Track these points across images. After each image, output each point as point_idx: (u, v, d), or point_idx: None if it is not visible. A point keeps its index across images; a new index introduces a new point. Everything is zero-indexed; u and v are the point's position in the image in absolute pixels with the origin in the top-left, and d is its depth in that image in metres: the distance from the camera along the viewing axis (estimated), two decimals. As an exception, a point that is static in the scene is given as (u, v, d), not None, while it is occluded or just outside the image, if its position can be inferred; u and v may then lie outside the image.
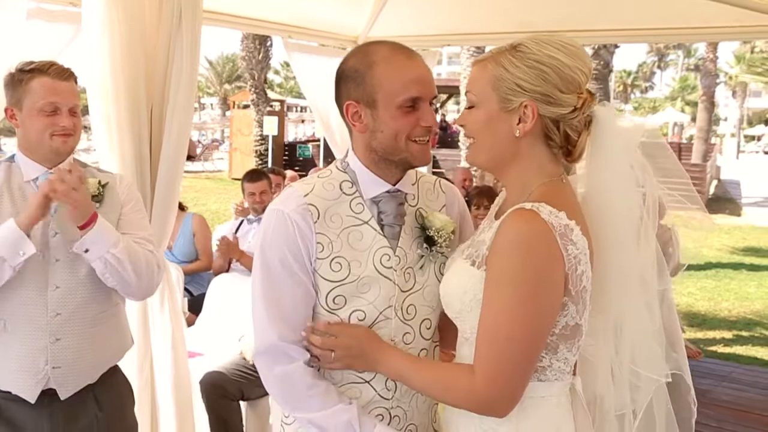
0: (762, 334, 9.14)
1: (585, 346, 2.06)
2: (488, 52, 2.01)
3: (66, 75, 2.82)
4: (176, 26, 3.47)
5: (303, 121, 48.53)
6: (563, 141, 2.00)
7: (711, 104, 30.86)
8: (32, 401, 2.76)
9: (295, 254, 2.08)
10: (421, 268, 2.17)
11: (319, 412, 2.07)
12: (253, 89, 25.82)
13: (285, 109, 31.46)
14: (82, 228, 2.69)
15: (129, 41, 3.42)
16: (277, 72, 66.26)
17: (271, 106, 26.79)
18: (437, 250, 2.17)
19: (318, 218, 2.09)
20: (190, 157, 26.95)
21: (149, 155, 3.57)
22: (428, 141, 2.11)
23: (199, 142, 35.78)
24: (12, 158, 2.88)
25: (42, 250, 2.73)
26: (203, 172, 28.55)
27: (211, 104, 67.58)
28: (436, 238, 2.15)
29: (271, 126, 24.63)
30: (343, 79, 2.13)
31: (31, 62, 2.82)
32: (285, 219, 2.09)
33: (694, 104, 42.90)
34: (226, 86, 62.80)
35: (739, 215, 21.04)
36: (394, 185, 2.16)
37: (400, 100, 2.04)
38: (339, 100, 2.15)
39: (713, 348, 8.31)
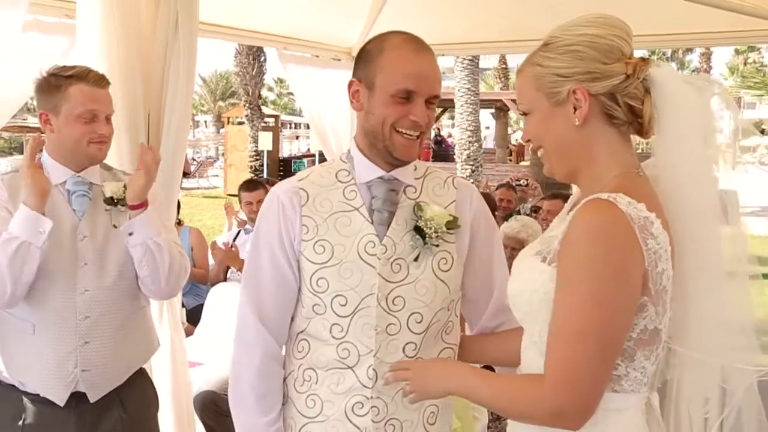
0: (762, 341, 9.11)
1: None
2: (523, 62, 1.95)
3: (103, 82, 2.85)
4: (172, 34, 3.49)
5: (297, 137, 48.63)
6: (628, 114, 1.86)
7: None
8: (61, 404, 2.79)
9: (279, 233, 2.19)
10: (415, 260, 2.17)
11: (262, 418, 2.21)
12: (247, 105, 25.92)
13: (279, 124, 31.52)
14: (134, 208, 2.75)
15: (126, 49, 3.43)
16: (270, 89, 66.33)
17: (266, 121, 26.87)
18: (431, 243, 2.16)
19: (307, 201, 2.19)
20: (185, 174, 26.93)
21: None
22: (416, 137, 2.14)
23: (193, 159, 35.75)
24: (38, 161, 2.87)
25: (70, 254, 2.76)
26: (198, 189, 28.50)
27: (205, 122, 67.48)
28: (424, 228, 2.15)
29: (266, 141, 24.71)
30: (358, 57, 2.21)
31: (68, 67, 2.83)
32: (274, 200, 2.22)
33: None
34: (220, 103, 62.79)
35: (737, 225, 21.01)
36: (389, 172, 2.20)
37: (394, 89, 2.10)
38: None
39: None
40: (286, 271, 2.20)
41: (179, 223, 6.18)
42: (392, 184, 2.21)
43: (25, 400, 2.80)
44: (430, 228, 2.15)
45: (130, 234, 2.75)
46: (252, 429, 2.24)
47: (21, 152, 35.93)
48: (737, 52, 46.14)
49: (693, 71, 34.38)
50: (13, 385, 2.81)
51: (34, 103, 2.93)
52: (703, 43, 17.44)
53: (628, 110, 1.85)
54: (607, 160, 1.87)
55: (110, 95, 2.87)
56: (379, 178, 2.20)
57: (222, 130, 40.32)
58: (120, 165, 3.38)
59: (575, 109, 1.84)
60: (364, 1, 6.01)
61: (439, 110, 36.39)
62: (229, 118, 30.24)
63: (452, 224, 2.19)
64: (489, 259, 2.35)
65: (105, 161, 2.97)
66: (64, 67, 2.83)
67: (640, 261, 1.72)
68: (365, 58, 2.17)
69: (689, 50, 46.90)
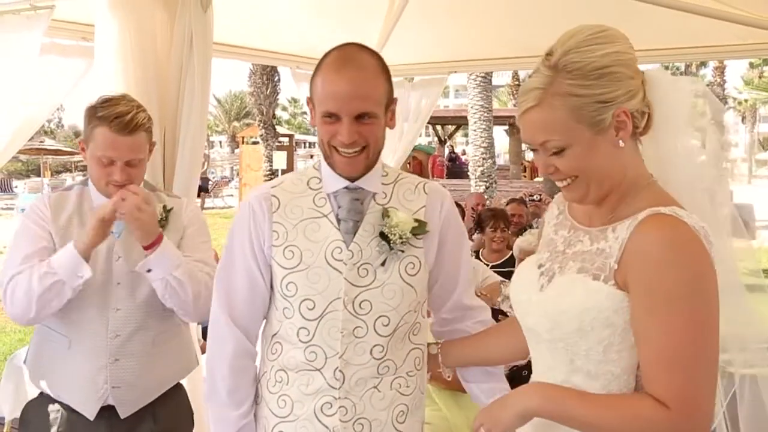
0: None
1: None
2: (533, 91, 1.79)
3: (128, 129, 2.76)
4: (187, 54, 3.56)
5: (312, 156, 48.70)
6: (642, 121, 1.86)
7: (720, 129, 30.81)
8: (91, 418, 2.84)
9: (249, 238, 2.27)
10: (382, 265, 2.22)
11: (234, 411, 2.29)
12: (261, 124, 26.06)
13: (294, 144, 31.67)
14: (147, 248, 2.76)
15: (142, 69, 3.51)
16: (285, 108, 66.59)
17: (280, 141, 26.99)
18: (397, 248, 2.21)
19: (278, 208, 2.26)
20: (203, 189, 27.08)
21: (163, 178, 3.64)
22: (355, 153, 2.17)
23: (208, 179, 35.98)
24: (86, 182, 2.95)
25: (105, 273, 2.81)
26: (213, 208, 28.65)
27: (220, 142, 67.83)
28: (389, 234, 2.20)
29: (280, 160, 24.82)
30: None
31: (105, 104, 2.79)
32: (247, 206, 2.30)
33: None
34: (235, 123, 63.08)
35: (753, 238, 20.93)
36: (353, 182, 2.25)
37: (320, 110, 2.16)
38: None
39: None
40: (256, 275, 2.28)
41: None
42: (357, 193, 2.26)
43: (61, 411, 2.87)
44: (395, 234, 2.20)
45: (149, 271, 2.78)
46: (224, 421, 2.30)
47: (38, 174, 36.26)
48: (752, 65, 46.04)
49: (708, 85, 34.22)
50: (50, 396, 2.89)
51: (51, 126, 2.99)
52: (716, 57, 17.43)
53: (642, 115, 1.85)
54: (636, 173, 1.87)
55: (138, 140, 2.82)
56: (345, 188, 2.26)
57: (237, 150, 40.55)
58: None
59: (617, 131, 1.79)
60: (376, 20, 6.06)
61: (452, 128, 36.57)
62: (243, 137, 30.39)
63: (418, 230, 2.24)
64: (456, 261, 2.40)
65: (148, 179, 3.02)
66: (104, 102, 2.81)
67: (715, 272, 1.71)
68: (311, 78, 2.22)
69: (703, 64, 46.81)
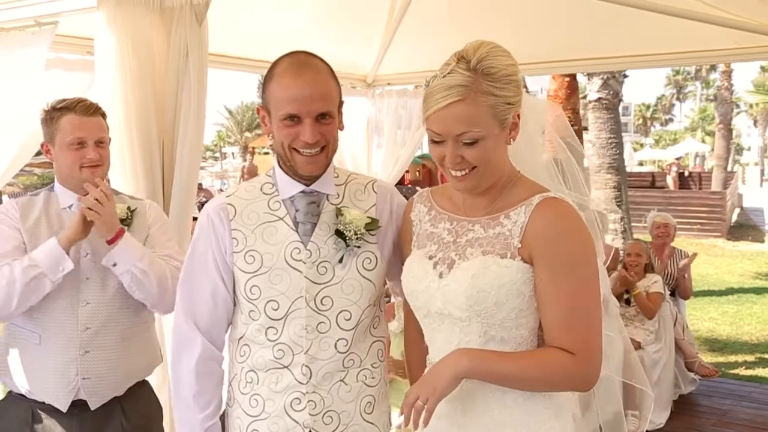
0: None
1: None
2: (457, 88, 1.99)
3: (91, 111, 3.02)
4: (183, 65, 3.65)
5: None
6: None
7: (728, 132, 30.72)
8: (64, 410, 2.95)
9: (212, 248, 2.36)
10: (340, 261, 2.32)
11: (199, 414, 2.36)
12: (270, 135, 26.09)
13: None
14: (109, 242, 2.90)
15: (140, 82, 3.60)
16: (295, 118, 66.49)
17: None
18: (353, 245, 2.31)
19: (234, 216, 2.35)
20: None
21: (162, 189, 3.73)
22: (316, 153, 2.27)
23: (221, 190, 36.06)
24: (52, 188, 3.10)
25: (74, 269, 2.91)
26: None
27: (233, 153, 67.93)
28: (344, 231, 2.30)
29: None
30: (262, 84, 2.36)
31: (63, 100, 3.03)
32: (206, 216, 2.38)
33: (714, 134, 42.84)
34: (247, 134, 63.26)
35: (762, 242, 20.89)
36: (309, 186, 2.35)
37: (280, 114, 2.24)
38: None
39: (735, 371, 8.29)
40: (218, 282, 2.37)
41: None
42: (312, 196, 2.36)
43: (33, 408, 2.98)
44: (350, 231, 2.30)
45: (114, 265, 2.92)
46: (190, 424, 2.39)
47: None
48: (763, 69, 45.86)
49: (718, 89, 34.11)
50: (23, 395, 3.00)
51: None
52: (721, 60, 17.39)
53: None
54: (510, 169, 2.20)
55: (102, 122, 3.07)
56: (301, 192, 2.35)
57: (250, 160, 40.59)
58: (136, 192, 3.55)
59: (511, 131, 2.11)
60: (376, 30, 6.14)
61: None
62: (254, 148, 30.48)
63: (371, 226, 2.34)
64: None
65: (113, 187, 3.15)
66: (60, 100, 3.03)
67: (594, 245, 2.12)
68: (263, 86, 2.32)
69: (713, 68, 46.71)
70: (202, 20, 3.61)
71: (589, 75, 12.75)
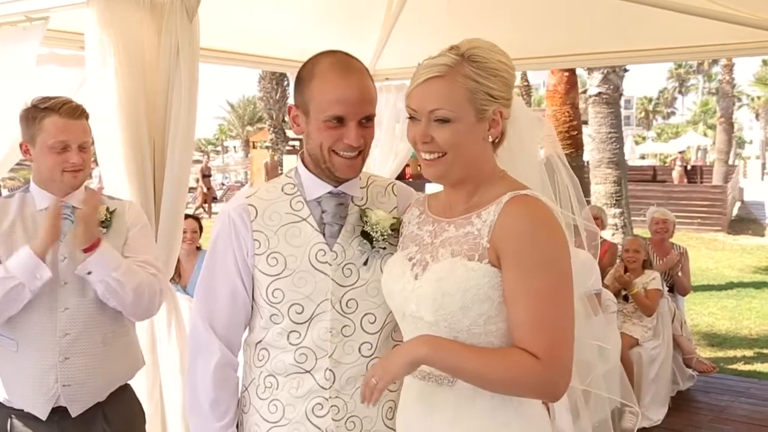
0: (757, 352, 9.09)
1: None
2: (439, 66, 2.00)
3: (77, 114, 2.94)
4: (174, 62, 3.61)
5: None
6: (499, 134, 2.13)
7: (730, 126, 30.73)
8: (43, 418, 2.89)
9: (232, 249, 2.29)
10: (365, 264, 2.27)
11: (217, 423, 2.30)
12: (271, 129, 26.14)
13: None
14: (85, 251, 2.83)
15: (130, 79, 3.57)
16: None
17: (291, 145, 27.07)
18: (378, 246, 2.25)
19: (256, 216, 2.27)
20: (213, 199, 27.15)
21: (153, 189, 3.70)
22: (355, 156, 2.22)
23: (222, 184, 36.06)
24: (27, 189, 3.03)
25: (52, 274, 2.85)
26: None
27: (234, 147, 67.88)
28: (371, 232, 2.25)
29: (290, 164, 24.71)
30: (295, 83, 2.28)
31: (46, 99, 2.95)
32: (226, 217, 2.31)
33: (716, 128, 42.80)
34: (248, 128, 63.19)
35: (762, 235, 20.86)
36: (336, 187, 2.29)
37: (324, 115, 2.17)
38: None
39: (734, 366, 8.27)
40: (239, 285, 2.30)
41: (198, 248, 6.31)
42: (341, 198, 2.30)
43: (11, 416, 2.92)
44: (377, 231, 2.24)
45: (89, 273, 2.86)
46: None
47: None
48: (765, 62, 45.78)
49: (719, 82, 34.09)
50: (1, 403, 2.95)
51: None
52: (724, 55, 17.33)
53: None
54: (492, 167, 2.12)
55: (86, 125, 2.99)
56: (329, 193, 2.29)
57: (250, 155, 40.69)
58: (126, 194, 3.52)
59: (490, 127, 2.05)
60: (374, 25, 6.11)
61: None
62: (255, 142, 30.47)
63: (396, 226, 2.29)
64: None
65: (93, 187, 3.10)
66: (44, 98, 2.95)
67: (567, 242, 2.01)
68: (299, 85, 2.24)
69: (715, 62, 46.64)
70: (193, 16, 3.58)
71: (590, 69, 12.69)
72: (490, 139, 2.07)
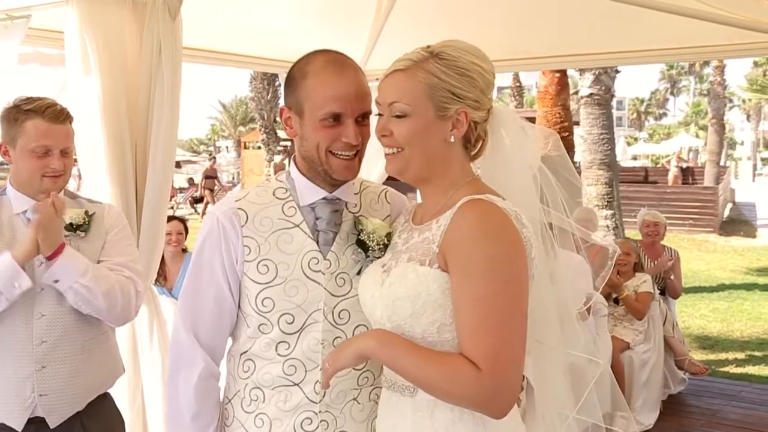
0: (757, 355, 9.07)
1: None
2: (404, 60, 1.99)
3: (61, 118, 2.86)
4: (156, 61, 3.54)
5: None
6: (475, 141, 2.07)
7: (721, 127, 30.77)
8: (19, 429, 2.79)
9: (220, 254, 2.18)
10: (358, 273, 2.18)
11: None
12: (263, 129, 26.09)
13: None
14: (49, 259, 2.73)
15: (111, 78, 3.51)
16: (287, 112, 66.53)
17: (282, 145, 27.02)
18: (373, 255, 2.16)
19: (246, 222, 2.17)
20: (201, 200, 27.03)
21: (135, 189, 3.63)
22: (352, 156, 2.14)
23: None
24: (3, 191, 2.94)
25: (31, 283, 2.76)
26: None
27: (227, 147, 67.78)
28: (367, 241, 2.16)
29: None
30: (286, 83, 2.21)
31: (30, 99, 2.86)
32: (214, 221, 2.20)
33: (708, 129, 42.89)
34: (241, 128, 63.12)
35: (754, 237, 20.90)
36: (331, 192, 2.21)
37: (321, 113, 2.09)
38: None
39: (725, 369, 8.25)
40: (225, 292, 2.19)
41: (184, 250, 6.25)
42: (335, 204, 2.22)
43: None
44: (373, 240, 2.15)
45: (56, 281, 2.76)
46: None
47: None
48: (756, 64, 45.86)
49: (711, 84, 34.19)
50: None
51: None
52: (714, 56, 17.36)
53: (476, 138, 2.06)
54: (459, 172, 2.05)
55: (69, 130, 2.91)
56: (323, 199, 2.21)
57: (242, 155, 40.61)
58: (107, 194, 3.45)
59: (453, 127, 1.99)
60: (364, 25, 6.06)
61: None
62: (246, 142, 30.41)
63: (391, 236, 2.19)
64: None
65: (74, 189, 3.02)
66: (27, 99, 2.86)
67: (524, 248, 1.90)
68: (291, 85, 2.17)
69: (706, 63, 46.69)
70: (176, 15, 3.52)
71: (581, 70, 12.68)
72: (452, 140, 2.00)
